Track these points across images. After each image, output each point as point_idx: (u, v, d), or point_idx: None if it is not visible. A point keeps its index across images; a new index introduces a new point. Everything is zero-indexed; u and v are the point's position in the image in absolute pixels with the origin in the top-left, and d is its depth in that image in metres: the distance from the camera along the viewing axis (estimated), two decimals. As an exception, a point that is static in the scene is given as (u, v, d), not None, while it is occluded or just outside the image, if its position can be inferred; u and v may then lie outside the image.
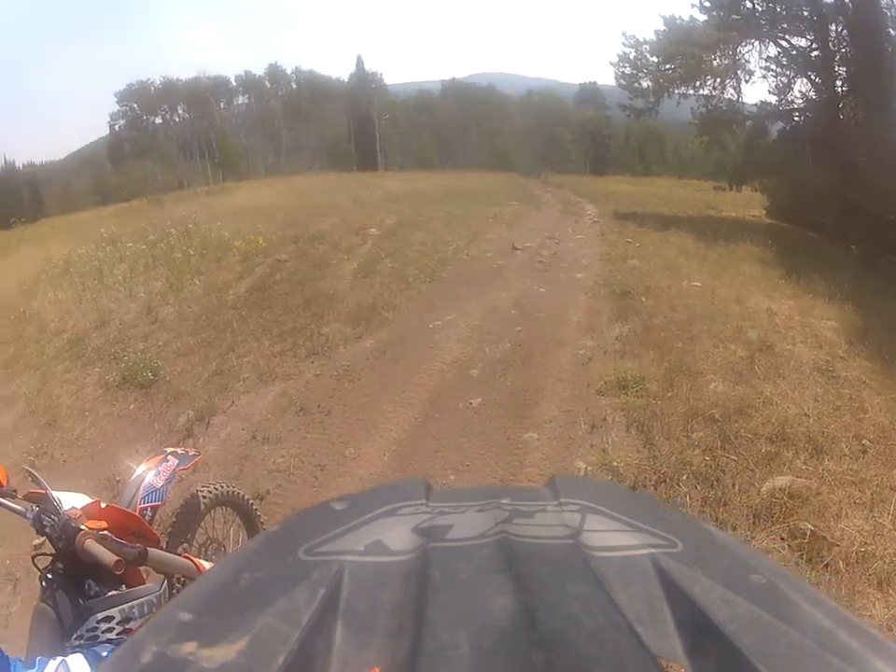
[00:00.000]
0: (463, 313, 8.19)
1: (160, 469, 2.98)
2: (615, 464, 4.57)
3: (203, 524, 3.31)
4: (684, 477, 4.48)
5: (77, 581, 2.18)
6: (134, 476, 2.96)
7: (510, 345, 7.05)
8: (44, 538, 2.21)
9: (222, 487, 3.41)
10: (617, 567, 0.49)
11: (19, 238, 32.96)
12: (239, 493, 3.56)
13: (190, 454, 3.30)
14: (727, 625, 0.42)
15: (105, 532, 2.07)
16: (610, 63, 28.49)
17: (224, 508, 3.56)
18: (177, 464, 3.08)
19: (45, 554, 2.27)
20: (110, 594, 2.22)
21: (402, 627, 0.42)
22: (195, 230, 15.30)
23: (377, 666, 0.40)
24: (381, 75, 62.75)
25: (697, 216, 17.96)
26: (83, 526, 2.05)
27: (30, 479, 2.30)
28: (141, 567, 2.35)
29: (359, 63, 62.29)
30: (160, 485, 2.89)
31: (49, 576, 2.18)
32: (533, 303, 8.50)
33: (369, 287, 9.71)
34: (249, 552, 0.56)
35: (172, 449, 3.27)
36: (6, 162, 63.27)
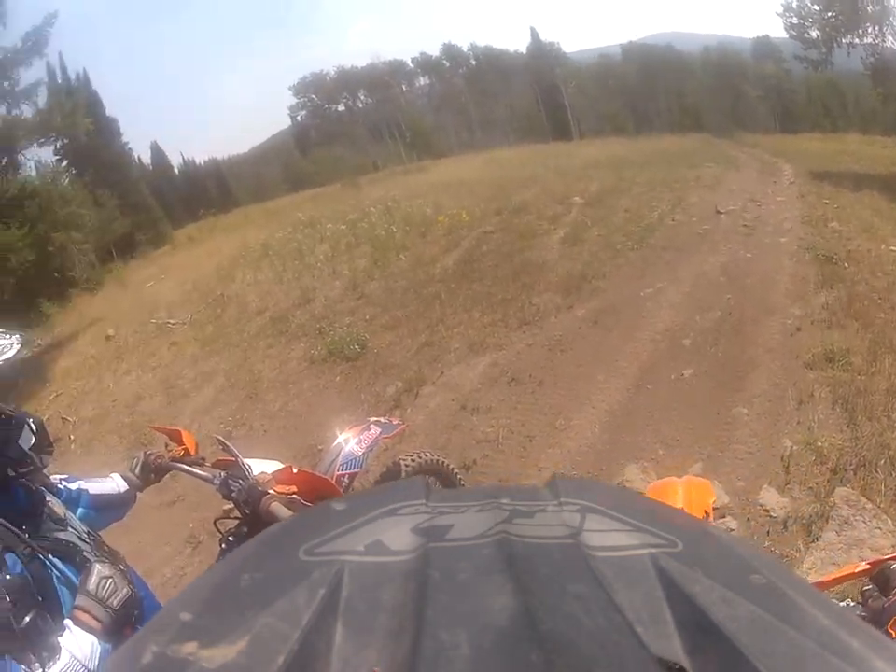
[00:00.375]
0: (673, 280, 7.96)
1: (361, 437, 3.01)
2: (819, 444, 4.32)
3: None
4: (882, 462, 4.14)
5: None
6: (335, 443, 3.02)
7: (720, 313, 6.80)
8: (232, 504, 2.28)
9: (426, 456, 3.41)
10: (617, 567, 0.49)
11: (211, 227, 35.14)
12: (443, 462, 3.55)
13: (394, 422, 3.33)
14: (727, 625, 0.42)
15: (294, 496, 2.12)
16: (776, 14, 27.01)
17: (427, 477, 3.57)
18: (380, 432, 3.09)
19: (229, 518, 2.35)
20: None
21: (402, 627, 0.42)
22: (395, 207, 15.65)
23: (377, 667, 0.40)
24: (558, 44, 62.04)
25: (887, 174, 16.66)
26: (270, 490, 2.10)
27: (220, 447, 2.36)
28: None
29: (534, 34, 62.47)
30: (359, 453, 2.92)
31: (230, 538, 2.24)
32: (741, 269, 8.16)
33: (577, 256, 9.59)
34: (249, 552, 0.57)
35: (375, 418, 3.31)
36: (185, 160, 67.56)
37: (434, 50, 64.76)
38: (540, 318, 7.42)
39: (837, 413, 4.73)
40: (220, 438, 2.40)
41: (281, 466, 2.40)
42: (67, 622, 1.63)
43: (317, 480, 2.29)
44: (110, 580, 1.72)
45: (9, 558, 1.62)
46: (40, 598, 1.64)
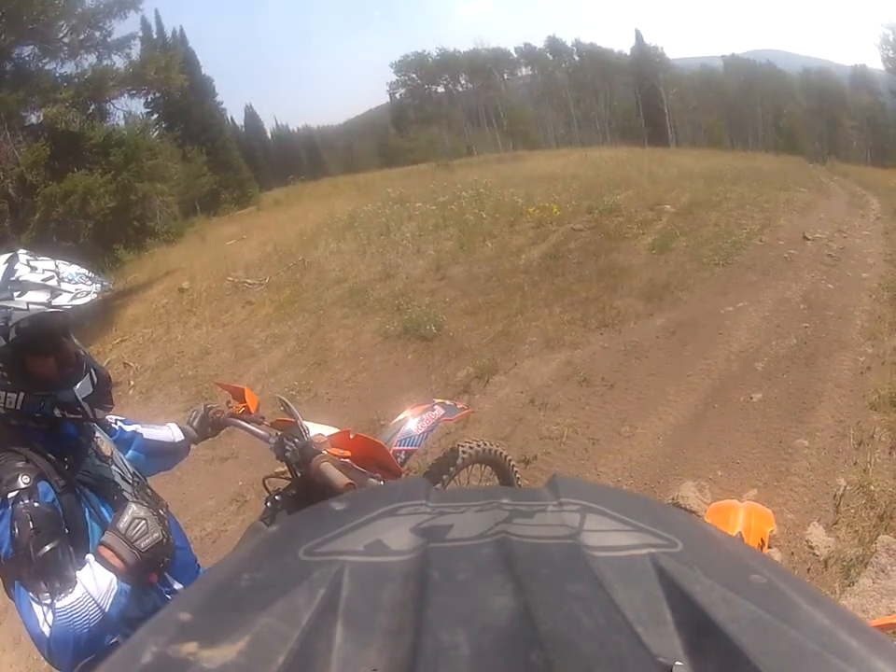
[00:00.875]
0: (754, 301, 7.83)
1: (423, 416, 3.02)
2: (872, 487, 4.24)
3: (458, 477, 3.31)
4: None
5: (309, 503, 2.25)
6: (397, 419, 3.05)
7: (796, 341, 6.69)
8: (285, 466, 2.30)
9: (485, 445, 3.38)
10: (617, 567, 0.50)
11: (298, 193, 35.18)
12: (502, 453, 3.53)
13: (458, 406, 3.34)
14: (727, 625, 0.42)
15: (347, 460, 2.14)
16: (875, 45, 26.13)
17: (483, 466, 3.55)
18: (442, 414, 3.11)
19: (278, 477, 2.39)
20: None
21: (402, 627, 0.43)
22: (487, 194, 15.54)
23: (377, 667, 0.40)
24: (662, 49, 61.02)
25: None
26: (324, 451, 2.12)
27: (282, 408, 2.38)
28: None
29: (638, 36, 61.81)
30: (419, 432, 2.93)
31: (277, 497, 2.25)
32: (821, 300, 7.96)
33: (663, 265, 9.49)
34: (249, 552, 0.58)
35: (440, 400, 3.31)
36: (278, 125, 68.18)
37: (538, 42, 64.10)
38: (620, 322, 7.38)
39: (894, 459, 4.64)
40: (282, 398, 2.40)
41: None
42: (89, 556, 1.66)
43: (374, 446, 2.28)
44: (143, 521, 1.71)
45: (42, 486, 1.67)
46: (67, 531, 1.69)
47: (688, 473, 4.64)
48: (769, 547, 3.79)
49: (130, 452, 2.31)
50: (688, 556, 0.52)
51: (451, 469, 3.17)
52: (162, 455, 2.47)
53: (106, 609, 1.60)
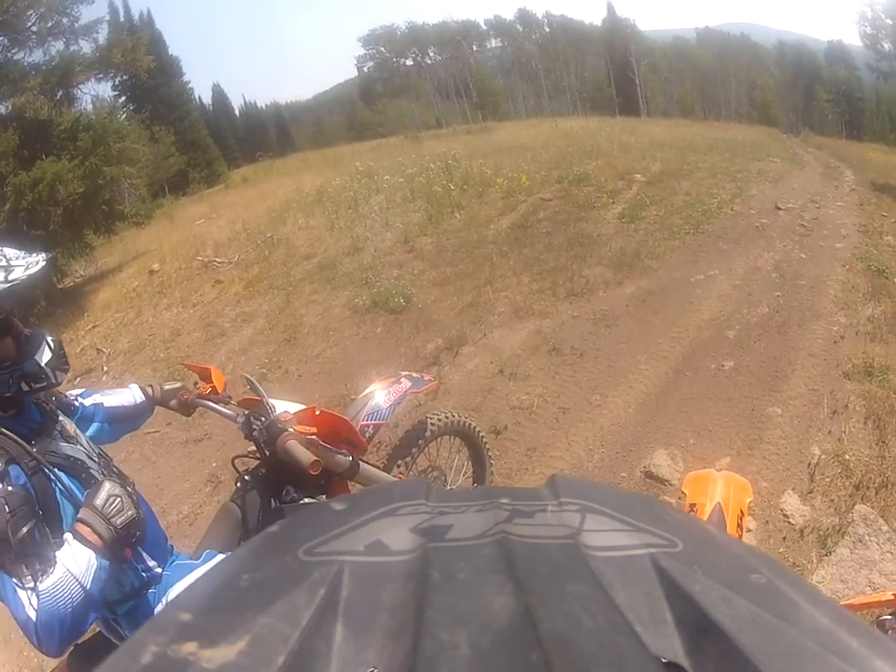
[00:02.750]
0: (725, 270, 7.85)
1: (390, 389, 3.02)
2: (846, 457, 4.27)
3: (427, 450, 3.35)
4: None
5: (276, 487, 2.28)
6: (364, 393, 3.03)
7: (768, 310, 6.72)
8: (253, 445, 2.32)
9: (454, 417, 3.40)
10: (617, 567, 0.49)
11: (267, 169, 35.58)
12: (471, 425, 3.54)
13: (425, 378, 3.33)
14: (727, 625, 0.41)
15: (314, 437, 2.13)
16: (853, 22, 26.45)
17: (452, 438, 3.57)
18: (409, 387, 3.10)
19: (248, 457, 2.43)
20: (306, 500, 2.30)
21: (402, 627, 0.42)
22: (455, 166, 15.49)
23: (377, 667, 0.40)
24: (634, 20, 61.42)
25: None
26: (290, 428, 2.12)
27: (248, 386, 2.39)
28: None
29: (610, 8, 62.72)
30: (386, 405, 2.93)
31: (246, 478, 2.31)
32: (794, 269, 8.01)
33: (633, 233, 9.49)
34: (249, 552, 0.57)
35: (407, 372, 3.31)
36: (246, 102, 68.15)
37: (509, 14, 64.30)
38: (589, 291, 7.37)
39: (868, 428, 4.68)
40: (248, 377, 2.44)
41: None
42: (67, 535, 1.69)
43: (339, 421, 2.32)
44: (118, 499, 1.77)
45: (13, 470, 1.67)
46: (41, 511, 1.70)
47: (660, 441, 4.64)
48: (747, 516, 3.79)
49: (94, 425, 2.34)
50: (688, 556, 0.51)
51: (420, 441, 3.20)
52: (126, 420, 2.50)
53: (88, 587, 1.63)
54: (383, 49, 61.18)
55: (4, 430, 1.73)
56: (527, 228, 10.26)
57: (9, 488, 1.62)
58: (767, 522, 3.80)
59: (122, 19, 40.08)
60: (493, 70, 64.11)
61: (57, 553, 1.63)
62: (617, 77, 57.77)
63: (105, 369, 8.13)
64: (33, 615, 1.54)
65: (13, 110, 15.19)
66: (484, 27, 63.42)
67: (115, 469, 2.13)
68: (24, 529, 1.59)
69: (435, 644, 0.39)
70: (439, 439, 3.41)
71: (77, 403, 2.29)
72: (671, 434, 4.72)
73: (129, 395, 2.51)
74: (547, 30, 62.86)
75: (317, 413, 2.26)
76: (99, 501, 1.73)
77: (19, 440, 1.72)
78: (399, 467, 3.08)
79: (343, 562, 0.49)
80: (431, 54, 62.72)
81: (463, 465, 3.77)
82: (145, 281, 12.09)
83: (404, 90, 59.23)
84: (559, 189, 12.46)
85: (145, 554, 2.04)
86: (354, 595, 0.46)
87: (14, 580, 1.57)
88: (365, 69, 63.38)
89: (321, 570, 0.48)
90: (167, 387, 2.60)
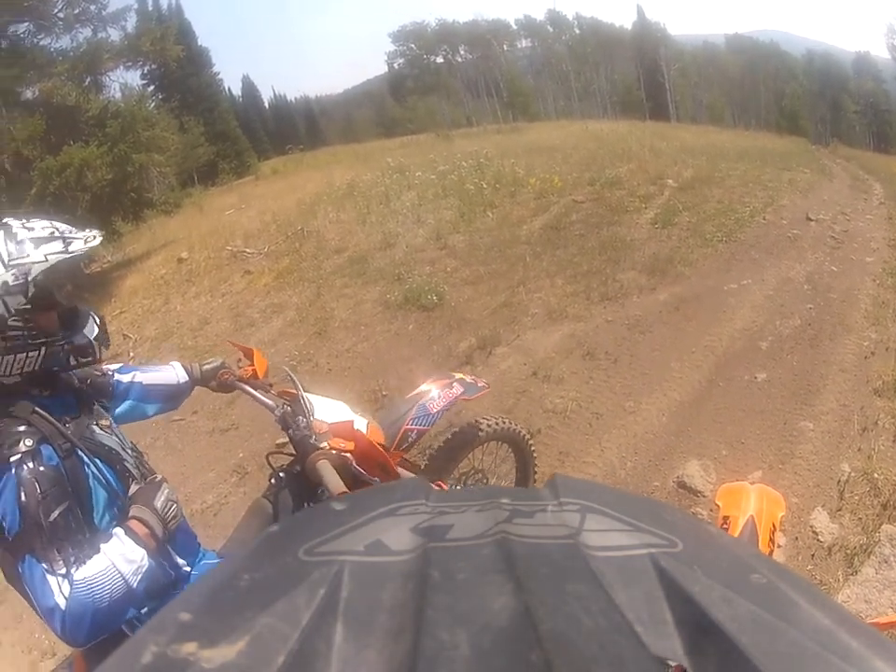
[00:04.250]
0: (758, 280, 7.79)
1: (441, 392, 2.93)
2: (876, 475, 4.21)
3: (472, 454, 3.23)
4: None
5: (311, 486, 2.17)
6: (416, 392, 2.95)
7: (800, 322, 6.65)
8: (286, 439, 2.27)
9: (504, 423, 3.27)
10: (617, 567, 0.49)
11: (297, 162, 35.39)
12: (520, 431, 3.43)
13: (479, 384, 3.17)
14: (727, 625, 0.42)
15: (348, 455, 2.05)
16: (881, 34, 26.05)
17: (500, 443, 3.44)
18: (461, 393, 3.00)
19: (282, 453, 2.37)
20: None
21: (402, 627, 0.42)
22: (487, 164, 15.45)
23: (377, 667, 0.40)
24: (664, 24, 61.09)
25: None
26: (324, 443, 2.06)
27: (288, 380, 2.36)
28: None
29: (640, 11, 62.31)
30: (434, 410, 2.84)
31: (281, 475, 2.26)
32: (825, 281, 7.92)
33: (666, 239, 9.44)
34: (249, 552, 0.57)
35: (460, 375, 3.21)
36: (275, 95, 68.13)
37: (539, 15, 64.06)
38: (623, 296, 7.34)
39: None
40: (289, 370, 2.41)
41: (346, 407, 2.39)
42: (118, 529, 1.66)
43: (375, 451, 2.15)
44: (175, 504, 1.78)
45: (45, 450, 1.65)
46: (72, 494, 1.66)
47: (693, 452, 4.61)
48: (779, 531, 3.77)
49: (126, 402, 2.30)
50: (688, 556, 0.52)
51: (467, 445, 3.10)
52: (164, 399, 2.46)
53: (133, 585, 1.60)
54: (413, 45, 61.07)
55: (37, 409, 1.71)
56: (560, 229, 10.21)
57: (41, 468, 1.60)
58: (797, 538, 3.77)
59: (150, 8, 40.13)
60: (523, 70, 63.73)
61: (102, 545, 1.60)
62: (647, 80, 57.36)
63: (132, 355, 8.18)
64: (62, 602, 1.49)
65: (40, 95, 15.33)
66: (514, 27, 63.39)
67: (147, 465, 2.10)
68: (56, 512, 1.56)
69: (435, 644, 0.40)
70: (485, 444, 3.28)
71: (112, 379, 2.26)
72: (704, 444, 4.69)
73: (171, 373, 2.47)
74: (577, 31, 62.59)
75: (356, 427, 2.16)
76: (159, 504, 1.73)
77: (53, 420, 1.70)
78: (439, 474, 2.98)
79: (343, 562, 0.50)
80: (462, 52, 62.61)
81: (508, 472, 3.68)
82: (173, 269, 12.11)
83: (434, 87, 58.96)
84: (591, 192, 12.40)
85: (174, 553, 1.97)
86: (354, 595, 0.46)
87: (44, 564, 1.52)
88: (395, 65, 63.36)
89: (321, 570, 0.49)
90: (206, 367, 2.54)
